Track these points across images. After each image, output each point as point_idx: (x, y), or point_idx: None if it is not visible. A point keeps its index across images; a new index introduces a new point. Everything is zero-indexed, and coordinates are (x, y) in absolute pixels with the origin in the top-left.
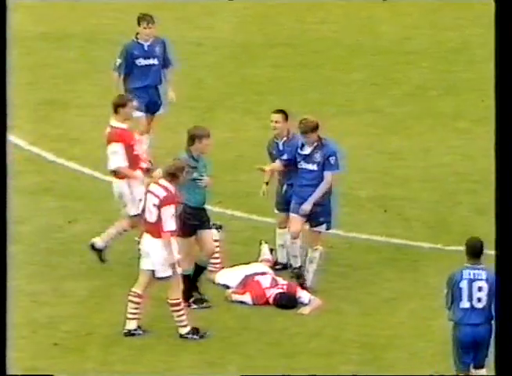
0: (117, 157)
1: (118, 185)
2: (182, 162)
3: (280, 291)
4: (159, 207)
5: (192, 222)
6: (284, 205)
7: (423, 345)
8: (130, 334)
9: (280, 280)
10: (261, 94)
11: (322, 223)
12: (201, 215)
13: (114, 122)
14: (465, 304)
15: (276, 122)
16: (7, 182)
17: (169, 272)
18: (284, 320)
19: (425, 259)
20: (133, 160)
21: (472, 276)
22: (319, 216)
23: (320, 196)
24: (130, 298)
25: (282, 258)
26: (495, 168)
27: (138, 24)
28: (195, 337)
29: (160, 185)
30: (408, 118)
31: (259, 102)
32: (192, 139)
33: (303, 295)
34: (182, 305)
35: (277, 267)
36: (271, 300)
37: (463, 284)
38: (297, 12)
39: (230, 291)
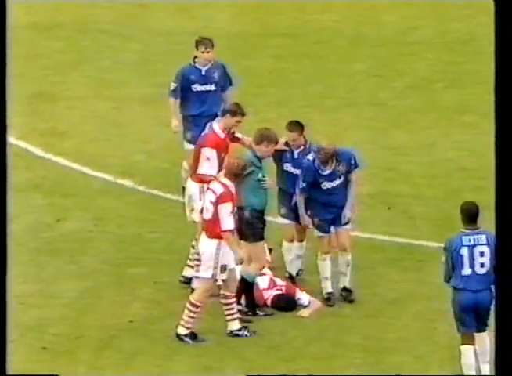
0: (209, 163)
1: (192, 186)
2: (244, 161)
3: (279, 292)
4: (215, 204)
5: (261, 225)
6: (293, 214)
7: (428, 349)
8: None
9: (278, 281)
10: (260, 86)
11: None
12: (264, 219)
13: (216, 126)
14: (467, 271)
15: (294, 140)
16: (7, 181)
17: (209, 275)
18: (283, 323)
19: (431, 259)
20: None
21: (472, 242)
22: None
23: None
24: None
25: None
26: (495, 163)
27: (196, 48)
28: (246, 333)
29: (219, 182)
30: (412, 112)
31: (258, 95)
32: (261, 140)
33: (302, 297)
34: (200, 309)
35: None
36: (269, 302)
37: (464, 251)
38: (297, 1)
39: None
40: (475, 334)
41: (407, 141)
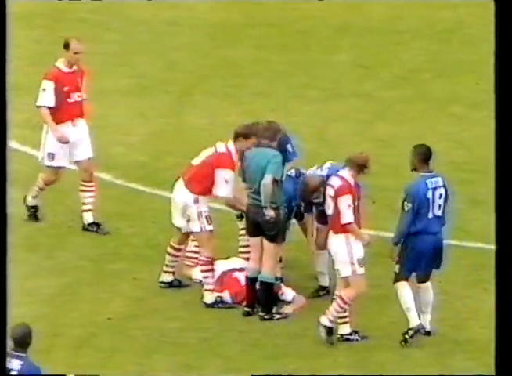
0: (228, 186)
1: (185, 196)
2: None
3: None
4: (334, 197)
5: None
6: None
7: (415, 347)
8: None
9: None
10: (242, 77)
11: None
12: None
13: (232, 147)
14: (430, 214)
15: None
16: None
17: (349, 272)
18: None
19: None
20: None
21: (434, 185)
22: None
23: None
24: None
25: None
26: (495, 158)
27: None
28: (356, 337)
29: (337, 176)
30: (398, 103)
31: (239, 86)
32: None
33: (286, 292)
34: (349, 307)
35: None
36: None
37: (430, 194)
38: None
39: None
40: (419, 285)
41: (394, 133)
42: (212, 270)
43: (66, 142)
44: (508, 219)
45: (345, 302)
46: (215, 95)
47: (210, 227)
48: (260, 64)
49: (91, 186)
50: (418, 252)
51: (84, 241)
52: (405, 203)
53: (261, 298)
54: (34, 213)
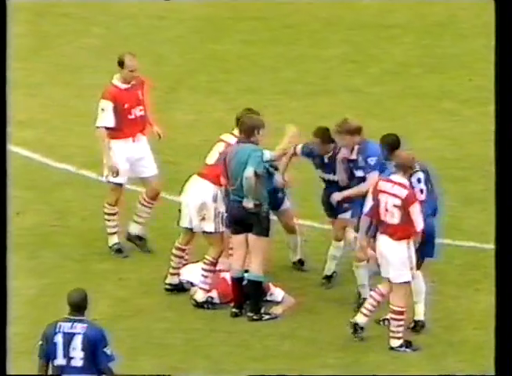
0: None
1: (203, 194)
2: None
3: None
4: (403, 207)
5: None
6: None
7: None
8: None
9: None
10: (229, 72)
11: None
12: None
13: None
14: None
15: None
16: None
17: (409, 277)
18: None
19: None
20: None
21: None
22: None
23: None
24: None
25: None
26: (494, 157)
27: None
28: (407, 350)
29: (394, 182)
30: (389, 98)
31: (226, 81)
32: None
33: (275, 292)
34: (405, 315)
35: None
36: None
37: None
38: None
39: (195, 288)
40: None
41: (384, 129)
42: (214, 272)
43: (117, 173)
44: (507, 218)
45: (399, 313)
46: (202, 91)
47: (223, 229)
48: (247, 59)
49: (153, 204)
50: None
51: (69, 241)
52: None
53: (250, 297)
54: (143, 244)
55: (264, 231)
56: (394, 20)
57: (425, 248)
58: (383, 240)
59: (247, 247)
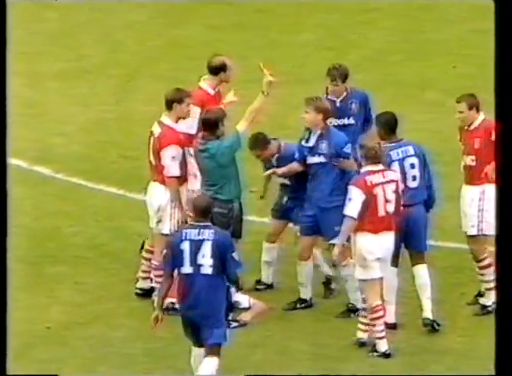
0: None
1: (161, 194)
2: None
3: None
4: (396, 191)
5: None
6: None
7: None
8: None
9: None
10: (193, 59)
11: None
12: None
13: (166, 119)
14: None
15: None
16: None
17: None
18: None
19: None
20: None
21: (401, 155)
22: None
23: None
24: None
25: (266, 277)
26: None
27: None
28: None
29: (379, 171)
30: (367, 87)
31: (190, 69)
32: None
33: (241, 299)
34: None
35: (260, 287)
36: None
37: (396, 166)
38: None
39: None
40: (413, 269)
41: None
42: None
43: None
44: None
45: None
46: (163, 80)
47: None
48: (212, 45)
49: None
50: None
51: (20, 242)
52: None
53: None
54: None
55: (240, 233)
56: (373, 3)
57: (411, 240)
58: (386, 237)
59: None
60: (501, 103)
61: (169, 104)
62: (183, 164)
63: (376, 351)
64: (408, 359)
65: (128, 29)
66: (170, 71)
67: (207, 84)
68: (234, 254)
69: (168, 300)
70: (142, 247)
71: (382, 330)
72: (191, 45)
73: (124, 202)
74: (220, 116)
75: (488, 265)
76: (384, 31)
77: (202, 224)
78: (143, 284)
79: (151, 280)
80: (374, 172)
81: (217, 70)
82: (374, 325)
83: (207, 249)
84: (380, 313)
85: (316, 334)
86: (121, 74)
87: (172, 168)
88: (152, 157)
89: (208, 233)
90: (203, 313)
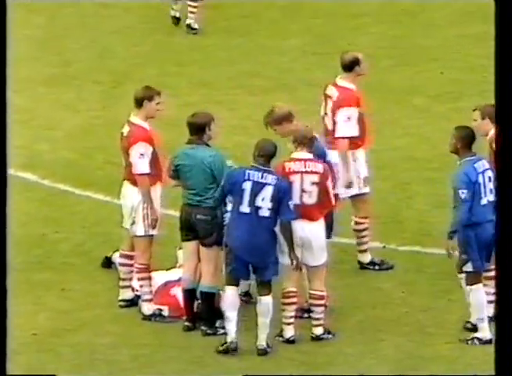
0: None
1: (133, 194)
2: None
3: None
4: (321, 183)
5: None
6: None
7: (373, 363)
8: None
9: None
10: (180, 65)
11: None
12: None
13: (135, 118)
14: (484, 200)
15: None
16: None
17: (325, 258)
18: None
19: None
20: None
21: (482, 168)
22: None
23: None
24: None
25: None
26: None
27: None
28: (329, 336)
29: (304, 159)
30: None
31: (177, 74)
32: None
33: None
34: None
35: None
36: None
37: (480, 179)
38: None
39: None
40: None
41: None
42: (149, 278)
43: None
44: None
45: (322, 298)
46: (151, 85)
47: (153, 232)
48: (199, 51)
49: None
50: (480, 243)
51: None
52: (460, 190)
53: (202, 310)
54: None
55: (215, 239)
56: (360, 8)
57: (484, 255)
58: (301, 225)
59: (199, 256)
60: (501, 106)
61: (139, 102)
62: (154, 163)
63: (282, 336)
64: (396, 367)
65: (115, 34)
66: (157, 77)
67: (346, 81)
68: (290, 203)
69: (155, 307)
70: (109, 261)
71: (291, 317)
72: (178, 50)
73: (111, 208)
74: (207, 121)
75: None
76: (372, 36)
77: (265, 168)
78: (124, 295)
79: (132, 289)
80: (295, 160)
81: (351, 64)
82: (284, 310)
83: (267, 193)
84: (293, 300)
85: (301, 341)
86: (108, 80)
87: (140, 166)
88: (122, 158)
89: (271, 178)
90: (258, 252)
